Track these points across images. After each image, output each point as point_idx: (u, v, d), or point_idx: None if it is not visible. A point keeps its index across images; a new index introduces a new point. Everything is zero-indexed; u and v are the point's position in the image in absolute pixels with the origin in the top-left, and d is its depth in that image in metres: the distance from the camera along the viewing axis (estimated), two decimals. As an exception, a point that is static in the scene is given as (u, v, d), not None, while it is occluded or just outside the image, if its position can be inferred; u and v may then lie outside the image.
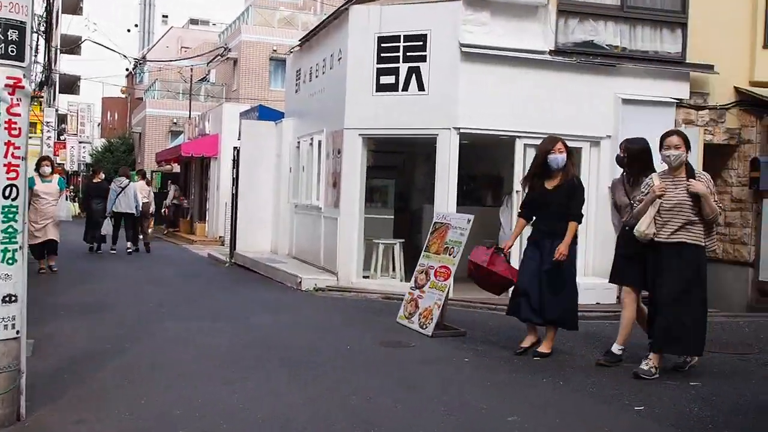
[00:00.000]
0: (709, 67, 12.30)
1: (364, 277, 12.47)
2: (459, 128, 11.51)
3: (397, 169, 15.09)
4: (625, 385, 6.54)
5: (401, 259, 12.65)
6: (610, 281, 7.59)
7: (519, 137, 11.59)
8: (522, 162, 11.58)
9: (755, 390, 6.57)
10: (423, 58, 11.66)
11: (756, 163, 12.24)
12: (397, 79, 11.82)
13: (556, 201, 7.44)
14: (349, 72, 12.25)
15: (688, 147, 6.84)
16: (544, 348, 7.59)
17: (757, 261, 12.31)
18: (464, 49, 11.40)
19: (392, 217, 13.51)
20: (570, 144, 11.81)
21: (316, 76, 14.57)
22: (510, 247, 7.88)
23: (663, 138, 6.90)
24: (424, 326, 8.63)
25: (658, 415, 5.69)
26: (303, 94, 15.71)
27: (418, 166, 15.38)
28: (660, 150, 6.87)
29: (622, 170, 7.56)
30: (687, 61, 12.25)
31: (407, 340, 8.30)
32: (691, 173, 6.81)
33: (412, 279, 9.32)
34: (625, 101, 11.89)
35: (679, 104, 12.29)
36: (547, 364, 7.29)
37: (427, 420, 5.44)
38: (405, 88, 11.77)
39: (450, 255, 8.74)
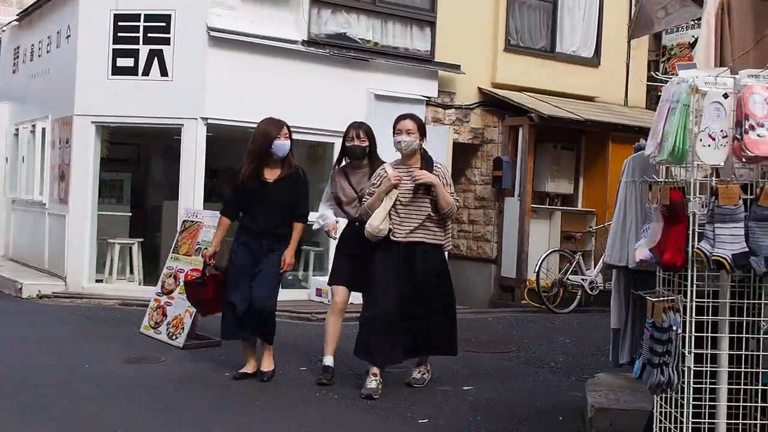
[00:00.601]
0: (455, 67, 12.40)
1: (97, 281, 11.21)
2: (206, 119, 10.64)
3: (133, 161, 13.91)
4: (401, 396, 6.11)
5: (139, 260, 11.55)
6: (330, 283, 6.61)
7: (270, 130, 10.92)
8: (273, 157, 10.97)
9: (527, 392, 6.43)
10: (167, 41, 10.66)
11: (499, 162, 12.50)
12: (136, 63, 10.71)
13: (278, 195, 6.30)
14: (80, 52, 10.95)
15: (423, 134, 6.20)
16: (265, 365, 6.54)
17: (499, 257, 12.59)
18: (212, 33, 10.55)
19: (129, 214, 12.33)
20: (323, 139, 11.65)
21: (39, 56, 12.99)
22: (212, 256, 6.58)
23: (395, 122, 6.21)
24: (174, 337, 7.74)
25: (442, 427, 5.35)
26: (22, 75, 13.97)
27: (157, 159, 14.27)
28: (393, 136, 6.21)
29: (341, 162, 6.65)
30: (436, 60, 12.27)
31: (155, 354, 7.36)
32: (428, 164, 6.16)
33: (159, 283, 8.37)
34: (378, 97, 11.65)
35: (429, 102, 12.28)
36: (311, 377, 6.66)
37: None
38: (146, 73, 10.70)
39: (203, 257, 7.89)
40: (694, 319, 3.25)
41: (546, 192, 12.93)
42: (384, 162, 6.40)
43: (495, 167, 12.58)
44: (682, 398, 3.26)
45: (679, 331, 3.18)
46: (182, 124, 10.72)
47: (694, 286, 3.23)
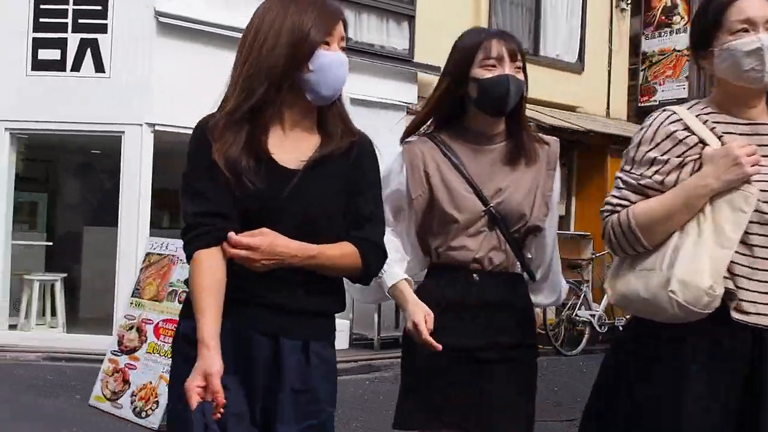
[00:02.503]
0: (436, 69, 10.74)
1: (10, 327, 8.95)
2: (154, 125, 8.62)
3: (44, 179, 11.67)
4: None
5: (63, 301, 9.34)
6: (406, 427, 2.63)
7: (231, 140, 8.96)
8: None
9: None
10: (103, 28, 8.58)
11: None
12: (64, 55, 8.59)
13: (319, 202, 2.11)
14: (-10, 42, 8.74)
15: None
16: None
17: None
18: (161, 19, 8.56)
19: (47, 243, 10.12)
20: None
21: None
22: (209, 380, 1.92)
23: (726, 3, 2.23)
24: (144, 413, 5.71)
25: None
26: None
27: (74, 177, 12.04)
28: (703, 45, 2.29)
29: (422, 127, 2.74)
30: (415, 61, 10.61)
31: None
32: None
33: (114, 338, 6.32)
34: (354, 101, 9.83)
35: (408, 110, 10.58)
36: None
37: None
38: (76, 68, 8.58)
39: (181, 303, 5.91)
40: None
41: (536, 213, 11.41)
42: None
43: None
44: None
45: None
46: (123, 132, 8.65)
47: None
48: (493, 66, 2.53)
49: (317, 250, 2.04)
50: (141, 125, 8.60)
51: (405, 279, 2.51)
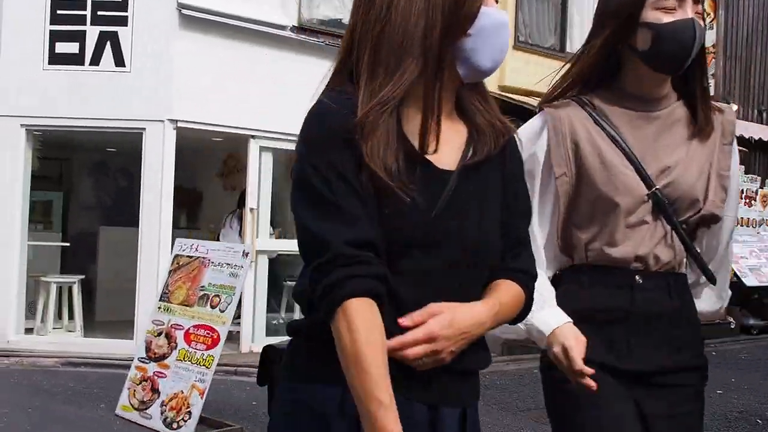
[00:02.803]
0: (462, 65, 10.45)
1: (26, 330, 8.63)
2: (176, 121, 8.29)
3: (57, 178, 11.37)
4: None
5: (80, 304, 9.03)
6: None
7: (254, 137, 8.65)
8: (257, 171, 8.74)
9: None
10: (123, 21, 8.26)
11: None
12: (83, 48, 8.27)
13: (476, 211, 1.56)
14: (6, 35, 8.35)
15: None
16: None
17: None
18: (184, 11, 8.24)
19: (63, 244, 9.83)
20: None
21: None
22: None
23: None
24: (175, 424, 5.39)
25: None
26: None
27: (88, 175, 11.75)
28: None
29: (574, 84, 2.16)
30: (441, 56, 10.30)
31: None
32: None
33: (142, 344, 6.00)
34: (380, 98, 9.55)
35: (434, 106, 10.29)
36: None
37: None
38: (95, 62, 8.26)
39: (214, 307, 5.61)
40: None
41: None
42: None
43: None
44: None
45: None
46: (144, 129, 8.32)
47: None
48: (673, 9, 1.96)
49: (498, 303, 1.53)
50: (163, 121, 8.27)
51: (570, 322, 1.91)
